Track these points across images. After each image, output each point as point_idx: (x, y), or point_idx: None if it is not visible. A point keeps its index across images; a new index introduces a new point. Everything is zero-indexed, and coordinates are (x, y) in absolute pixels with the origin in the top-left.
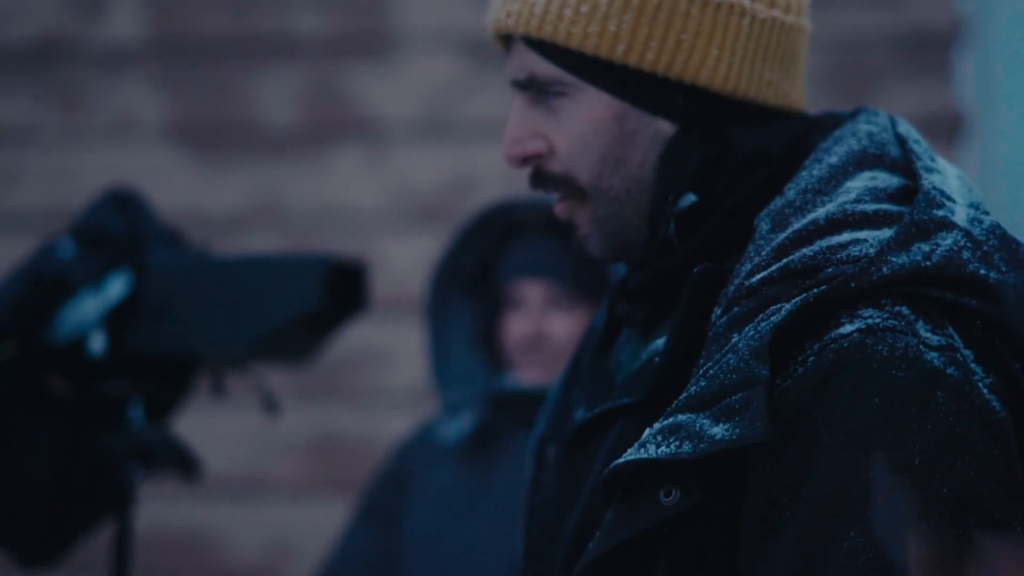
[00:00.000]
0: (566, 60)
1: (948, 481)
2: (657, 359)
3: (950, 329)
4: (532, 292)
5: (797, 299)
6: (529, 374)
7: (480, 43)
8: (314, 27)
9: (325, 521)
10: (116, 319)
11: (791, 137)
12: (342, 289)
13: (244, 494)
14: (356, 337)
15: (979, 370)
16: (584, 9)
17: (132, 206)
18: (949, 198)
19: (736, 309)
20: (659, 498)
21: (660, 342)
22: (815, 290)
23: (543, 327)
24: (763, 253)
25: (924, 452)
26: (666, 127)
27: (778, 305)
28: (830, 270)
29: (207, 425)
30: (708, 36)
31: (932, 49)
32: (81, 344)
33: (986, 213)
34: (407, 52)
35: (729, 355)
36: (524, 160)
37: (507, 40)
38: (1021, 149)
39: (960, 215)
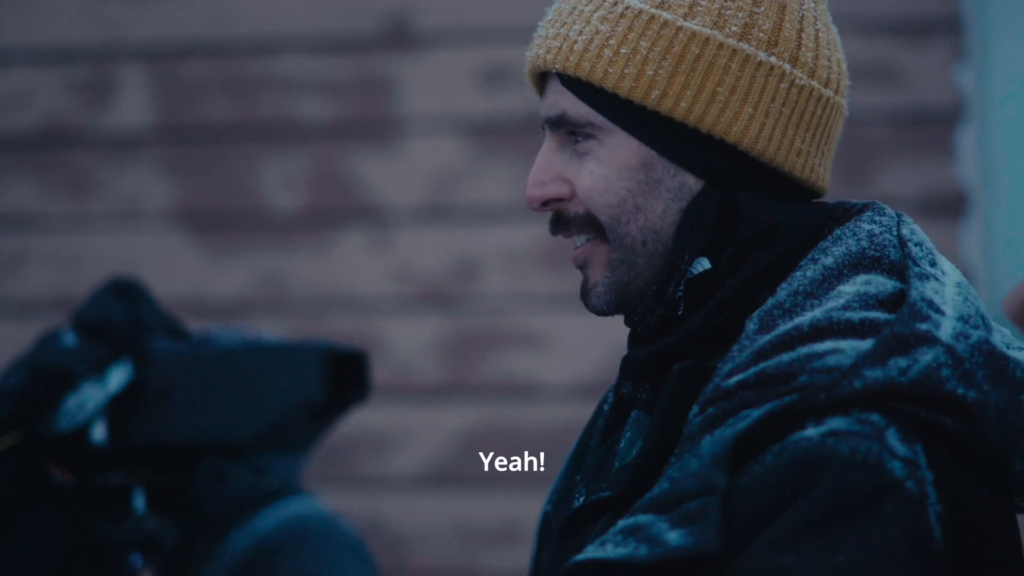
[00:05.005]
0: (599, 101)
1: None
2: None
3: (919, 447)
4: None
5: (766, 407)
6: None
7: (483, 127)
8: (317, 112)
9: None
10: (117, 408)
11: (808, 221)
12: (343, 378)
13: None
14: (360, 420)
15: (933, 494)
16: (624, 51)
17: (133, 295)
18: (937, 310)
19: (711, 410)
20: None
21: None
22: (785, 399)
23: None
24: (744, 354)
25: (852, 557)
26: (692, 182)
27: (748, 411)
28: (803, 379)
29: None
30: (744, 93)
31: (934, 126)
32: (83, 434)
33: (976, 328)
34: (410, 136)
35: (692, 458)
36: (545, 203)
37: (542, 80)
38: (1023, 226)
39: (946, 329)
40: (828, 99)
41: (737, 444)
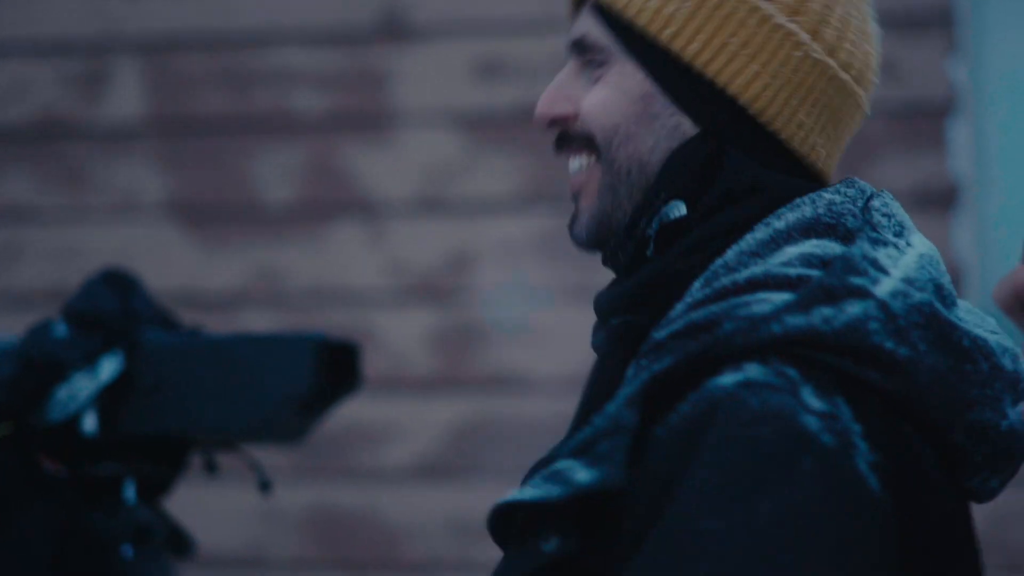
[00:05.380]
0: (618, 27)
1: (791, 551)
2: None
3: (839, 399)
4: None
5: (681, 353)
6: None
7: (477, 120)
8: (312, 105)
9: None
10: (108, 399)
11: (793, 192)
12: (335, 369)
13: (241, 570)
14: (354, 413)
15: (863, 445)
16: None
17: (125, 286)
18: (880, 269)
19: (643, 362)
20: (540, 544)
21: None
22: (703, 341)
23: None
24: (679, 309)
25: (772, 516)
26: (687, 126)
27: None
28: (728, 325)
29: (204, 503)
30: (755, 49)
31: (926, 119)
32: (74, 425)
33: (921, 291)
34: (404, 129)
35: (610, 403)
36: (551, 122)
37: (577, 9)
38: (1016, 218)
39: (883, 287)
40: (844, 83)
41: (652, 385)
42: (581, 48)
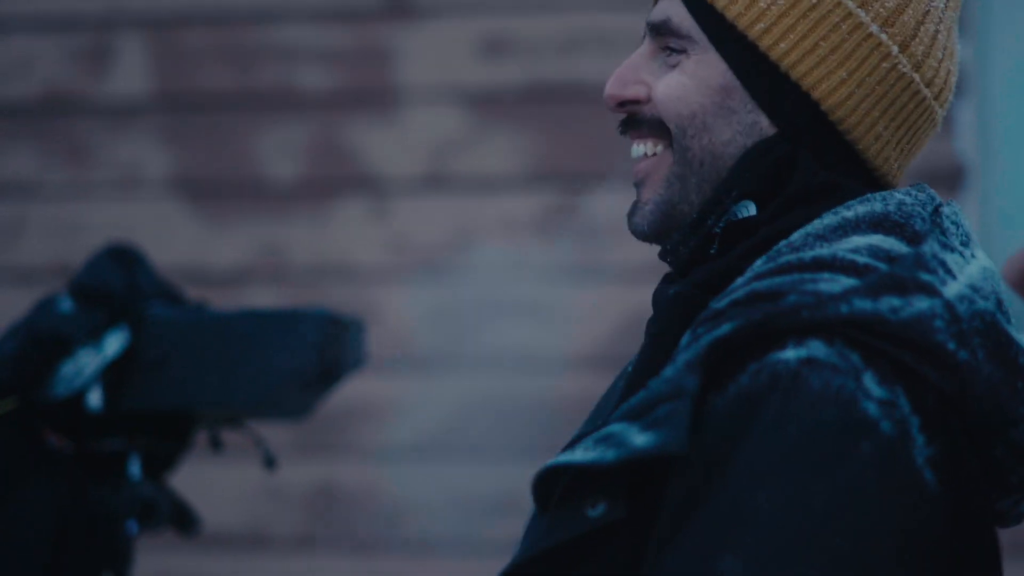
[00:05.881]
0: (706, 16)
1: (844, 535)
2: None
3: (899, 389)
4: None
5: (743, 319)
6: None
7: (482, 97)
8: (317, 81)
9: (325, 575)
10: (114, 375)
11: (861, 188)
12: (339, 346)
13: (244, 548)
14: (357, 390)
15: (920, 438)
16: None
17: (130, 261)
18: (948, 271)
19: (700, 330)
20: (585, 510)
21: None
22: (767, 310)
23: None
24: (739, 282)
25: (828, 498)
26: (765, 124)
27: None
28: (792, 298)
29: (207, 479)
30: (845, 57)
31: None
32: (79, 400)
33: (985, 300)
34: (409, 106)
35: (669, 367)
36: (621, 104)
37: None
38: (1021, 198)
39: (951, 288)
40: (925, 99)
41: (712, 350)
42: (662, 31)
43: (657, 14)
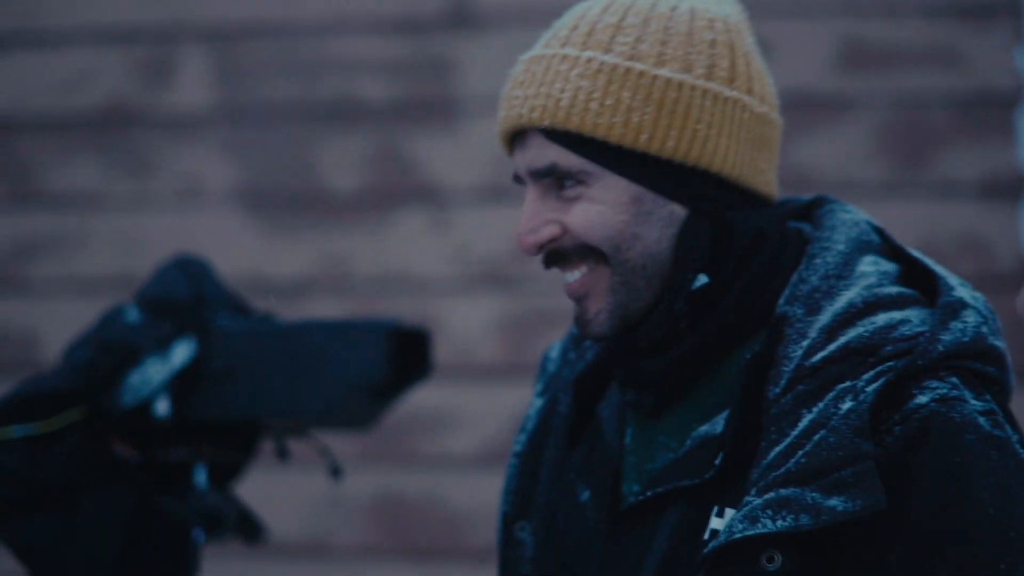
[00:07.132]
0: (590, 150)
1: (1014, 527)
2: (703, 442)
3: (987, 395)
4: None
5: (881, 380)
6: None
7: None
8: (378, 93)
9: None
10: (181, 384)
11: (779, 222)
12: (406, 356)
13: (309, 557)
14: (420, 400)
15: (1014, 434)
16: (609, 102)
17: (197, 272)
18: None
19: (800, 387)
20: (762, 564)
21: (705, 428)
22: (893, 365)
23: None
24: (811, 335)
25: (994, 503)
26: (678, 209)
27: (851, 383)
28: (888, 348)
29: (272, 488)
30: (719, 127)
31: (994, 110)
32: (146, 409)
33: (964, 285)
34: (470, 117)
35: (826, 434)
36: (540, 247)
37: (513, 138)
38: None
39: (964, 293)
40: (773, 119)
41: (872, 414)
42: (553, 175)
43: (536, 162)
